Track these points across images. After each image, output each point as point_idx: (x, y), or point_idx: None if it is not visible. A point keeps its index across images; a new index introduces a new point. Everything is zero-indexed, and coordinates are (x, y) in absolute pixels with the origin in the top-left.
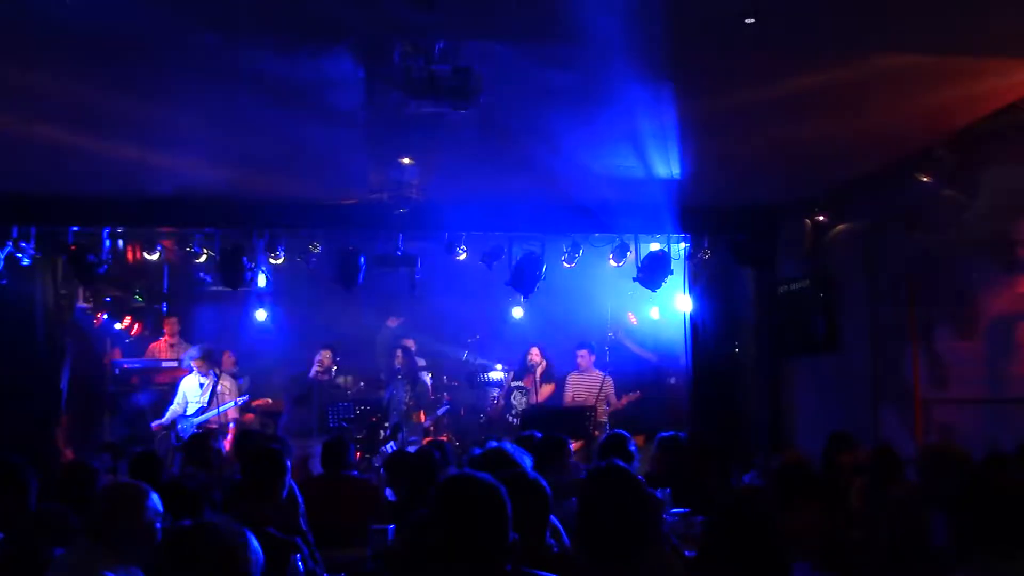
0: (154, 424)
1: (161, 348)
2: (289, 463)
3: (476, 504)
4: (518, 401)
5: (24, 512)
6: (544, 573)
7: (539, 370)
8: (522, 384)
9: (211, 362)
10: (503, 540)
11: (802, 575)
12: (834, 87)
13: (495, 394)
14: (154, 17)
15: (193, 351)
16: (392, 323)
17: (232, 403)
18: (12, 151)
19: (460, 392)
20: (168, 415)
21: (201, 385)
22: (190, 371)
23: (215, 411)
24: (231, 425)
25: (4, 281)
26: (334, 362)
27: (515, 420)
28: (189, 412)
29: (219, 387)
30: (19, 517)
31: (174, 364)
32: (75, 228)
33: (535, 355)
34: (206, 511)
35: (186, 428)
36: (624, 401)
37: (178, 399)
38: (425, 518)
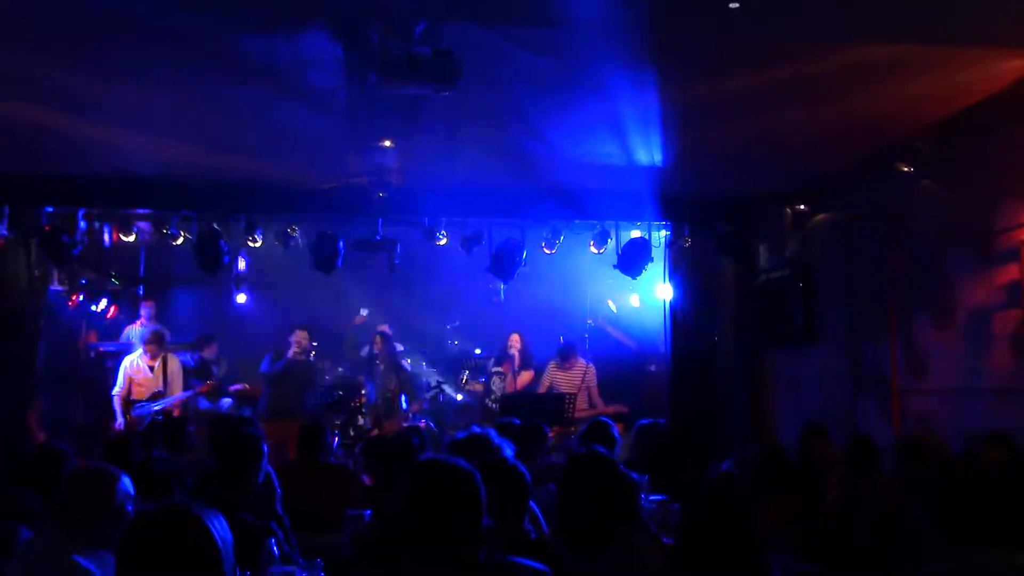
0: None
1: (136, 331)
2: (266, 448)
3: (447, 489)
4: (497, 387)
5: None
6: (521, 559)
7: (517, 357)
8: (501, 370)
9: (162, 346)
10: (476, 525)
11: (780, 565)
12: (816, 76)
13: (464, 376)
14: None
15: (146, 332)
16: (359, 320)
17: (189, 391)
18: None
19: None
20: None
21: (151, 369)
22: (132, 351)
23: (171, 399)
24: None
25: None
26: (311, 343)
27: (494, 405)
28: (142, 398)
29: (169, 371)
30: None
31: None
32: (49, 208)
33: (515, 342)
34: (177, 495)
35: (145, 415)
36: (611, 411)
37: (120, 382)
38: (398, 503)
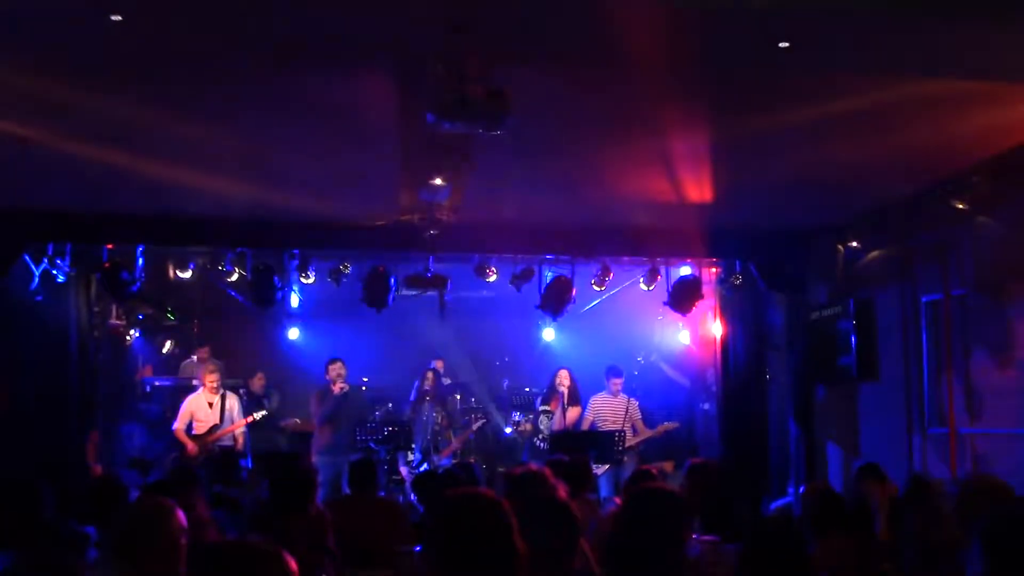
0: (191, 448)
1: (191, 367)
2: (318, 481)
3: (474, 518)
4: (545, 425)
5: (38, 528)
6: None
7: (566, 393)
8: (549, 408)
9: (223, 382)
10: (507, 552)
11: None
12: (868, 111)
13: (517, 417)
14: (191, 38)
15: (210, 367)
16: (439, 364)
17: (243, 428)
18: (49, 168)
19: (489, 415)
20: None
21: (211, 404)
22: (196, 390)
23: (228, 431)
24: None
25: (39, 297)
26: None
27: (542, 444)
28: (199, 432)
29: (227, 407)
30: (33, 533)
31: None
32: (109, 246)
33: (564, 378)
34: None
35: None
36: (660, 430)
37: (181, 417)
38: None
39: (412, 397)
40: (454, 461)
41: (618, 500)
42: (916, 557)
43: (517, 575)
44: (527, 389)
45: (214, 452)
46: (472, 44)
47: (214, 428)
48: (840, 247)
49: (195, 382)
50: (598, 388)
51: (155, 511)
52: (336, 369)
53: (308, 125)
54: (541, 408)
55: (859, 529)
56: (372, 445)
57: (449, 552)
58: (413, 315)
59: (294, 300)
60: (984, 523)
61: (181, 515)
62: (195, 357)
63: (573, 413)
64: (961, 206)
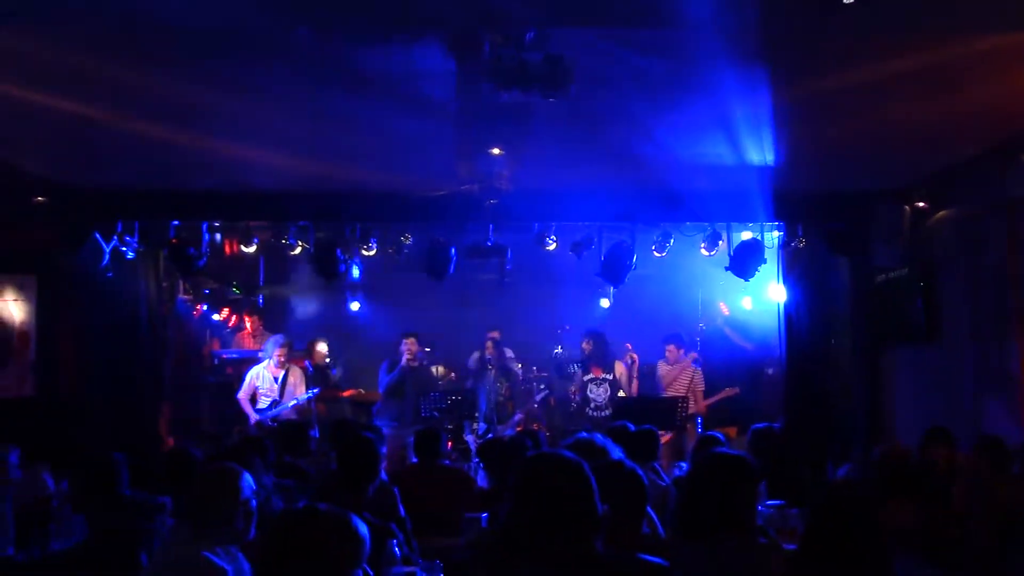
0: (252, 419)
1: (244, 339)
2: (382, 450)
3: (555, 480)
4: (595, 394)
5: (115, 498)
6: (642, 555)
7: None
8: (593, 375)
9: (290, 355)
10: (589, 515)
11: (905, 570)
12: (934, 68)
13: (572, 389)
14: (250, 13)
15: (277, 339)
16: (496, 335)
17: (306, 396)
18: (116, 147)
19: (550, 383)
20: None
21: (275, 379)
22: (261, 361)
23: (287, 404)
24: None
25: (110, 274)
26: (422, 349)
27: (594, 413)
28: (261, 405)
29: (289, 382)
30: (110, 503)
31: None
32: (176, 222)
33: (585, 343)
34: (304, 497)
35: (263, 421)
36: (722, 396)
37: (245, 387)
38: (509, 502)
39: (470, 366)
40: (518, 430)
41: (684, 465)
42: (986, 521)
43: (597, 537)
44: None
45: (273, 427)
46: (529, 8)
47: (273, 403)
48: (906, 208)
49: (261, 354)
50: (658, 355)
51: (221, 475)
52: (410, 344)
53: (366, 97)
54: (586, 378)
55: (926, 493)
56: (436, 415)
57: (532, 511)
58: (474, 285)
59: (355, 272)
60: None
61: (249, 479)
62: (246, 330)
63: (620, 370)
64: None
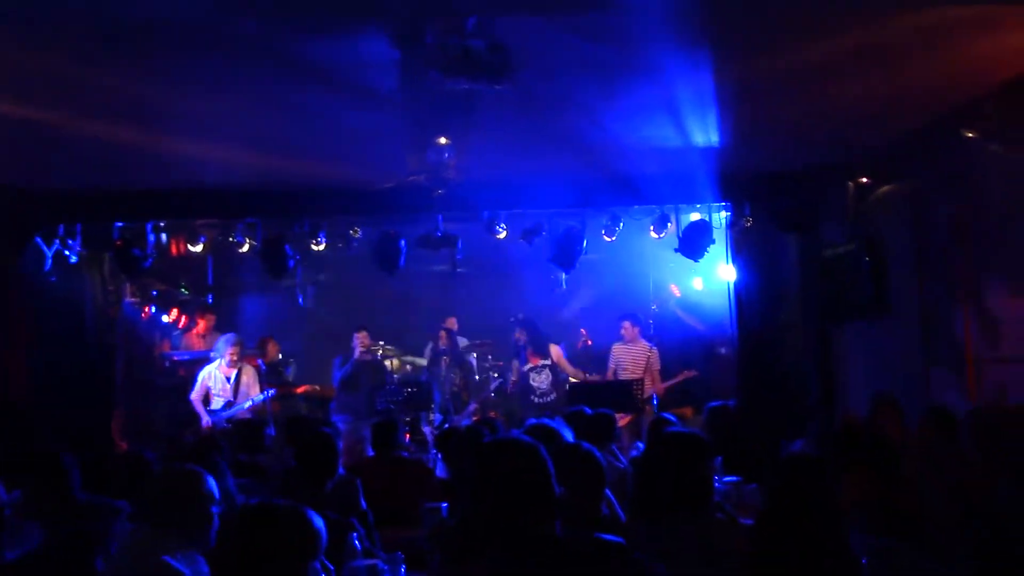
0: (205, 421)
1: (192, 339)
2: (339, 444)
3: (512, 464)
4: (537, 381)
5: (69, 502)
6: (601, 534)
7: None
8: (532, 364)
9: (242, 354)
10: (547, 498)
11: (859, 541)
12: (874, 45)
13: (512, 379)
14: (193, 5)
15: (229, 339)
16: (451, 324)
17: (262, 397)
18: (56, 147)
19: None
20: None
21: (228, 379)
22: (212, 361)
23: (242, 405)
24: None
25: (53, 279)
26: (375, 343)
27: (539, 400)
28: (215, 406)
29: (243, 381)
30: (64, 507)
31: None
32: (120, 223)
33: (519, 333)
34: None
35: (217, 423)
36: (680, 378)
37: (197, 388)
38: (468, 489)
39: (425, 356)
40: (474, 419)
41: (641, 446)
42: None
43: (555, 520)
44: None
45: (227, 427)
46: None
47: (227, 404)
48: (851, 184)
49: (213, 354)
50: (617, 337)
51: (183, 479)
52: (362, 338)
53: (311, 89)
54: (525, 368)
55: (878, 463)
56: (392, 408)
57: (490, 496)
58: (425, 276)
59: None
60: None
61: (210, 481)
62: (195, 329)
63: (556, 352)
64: (971, 135)
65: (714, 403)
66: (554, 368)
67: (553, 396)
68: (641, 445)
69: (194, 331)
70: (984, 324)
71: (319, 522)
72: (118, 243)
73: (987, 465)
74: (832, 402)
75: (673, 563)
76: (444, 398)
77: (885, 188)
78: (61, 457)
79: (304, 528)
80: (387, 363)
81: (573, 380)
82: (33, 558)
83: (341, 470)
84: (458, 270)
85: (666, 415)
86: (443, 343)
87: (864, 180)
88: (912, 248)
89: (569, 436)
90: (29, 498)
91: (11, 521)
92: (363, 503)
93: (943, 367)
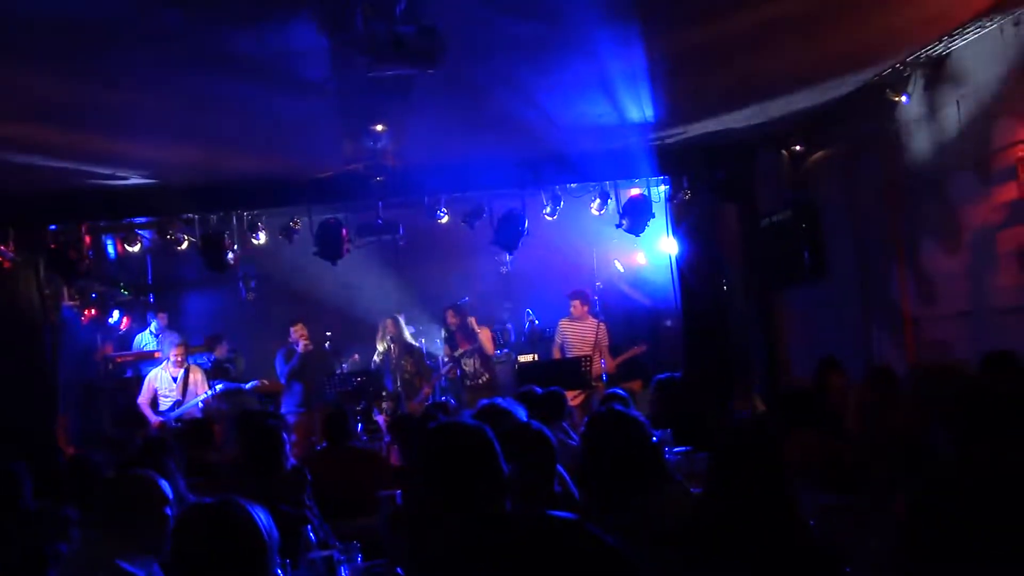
0: (154, 421)
1: (145, 339)
2: (287, 437)
3: (457, 446)
4: (469, 366)
5: (18, 511)
6: (552, 511)
7: (457, 331)
8: (462, 349)
9: (187, 353)
10: (495, 478)
11: (805, 497)
12: (802, 13)
13: (445, 369)
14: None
15: (173, 339)
16: (299, 334)
17: (209, 393)
18: None
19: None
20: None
21: (174, 379)
22: (159, 363)
23: (190, 404)
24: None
25: None
26: (323, 333)
27: (472, 382)
28: (163, 407)
29: (190, 380)
30: (13, 515)
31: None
32: (53, 226)
33: (451, 317)
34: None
35: (166, 423)
36: (630, 354)
37: (144, 391)
38: (417, 474)
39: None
40: (425, 406)
41: None
42: (879, 444)
43: (506, 498)
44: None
45: (177, 427)
46: None
47: (176, 404)
48: (784, 152)
49: (159, 355)
50: (564, 314)
51: (137, 484)
52: (298, 330)
53: (240, 81)
54: (456, 353)
55: (823, 422)
56: (342, 397)
57: (439, 480)
58: (369, 264)
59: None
60: (946, 404)
61: (164, 485)
62: (156, 322)
63: (485, 335)
64: (897, 98)
65: (661, 375)
66: (480, 351)
67: (485, 377)
68: None
69: (147, 331)
70: (919, 283)
71: (268, 519)
72: (52, 247)
73: (926, 420)
74: (776, 367)
75: (628, 536)
76: (396, 386)
77: (818, 155)
78: (9, 465)
79: (255, 525)
80: (342, 361)
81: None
82: None
83: (293, 461)
84: (400, 257)
85: (615, 390)
86: (390, 332)
87: (797, 148)
88: (847, 212)
89: (522, 415)
90: None
91: None
92: (308, 495)
93: (882, 327)
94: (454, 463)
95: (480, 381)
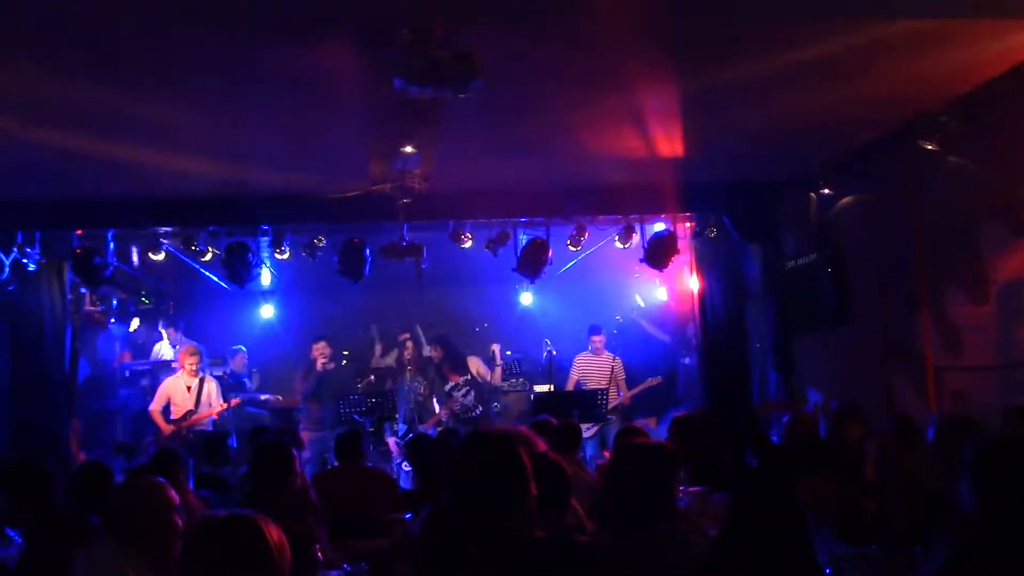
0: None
1: (163, 349)
2: (297, 454)
3: (489, 457)
4: (466, 399)
5: (48, 512)
6: (577, 538)
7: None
8: (453, 383)
9: (201, 364)
10: (524, 493)
11: (820, 544)
12: (834, 57)
13: (451, 404)
14: (152, 14)
15: (189, 349)
16: (320, 352)
17: (224, 408)
18: (15, 155)
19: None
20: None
21: (188, 388)
22: (175, 372)
23: (202, 415)
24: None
25: (12, 287)
26: (337, 352)
27: (468, 416)
28: (175, 416)
29: (205, 391)
30: (43, 516)
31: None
32: (79, 232)
33: (436, 352)
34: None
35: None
36: (645, 386)
37: (157, 399)
38: (445, 488)
39: (391, 364)
40: (439, 430)
41: (607, 455)
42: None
43: (531, 518)
44: (508, 352)
45: (189, 438)
46: (437, 6)
47: (188, 414)
48: (812, 195)
49: (174, 364)
50: (581, 349)
51: (146, 490)
52: (320, 348)
53: (273, 98)
54: (447, 388)
55: (841, 469)
56: (356, 417)
57: (471, 491)
58: (390, 285)
59: (266, 277)
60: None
61: (172, 493)
62: (164, 335)
63: (474, 364)
64: (930, 146)
65: (678, 412)
66: (474, 382)
67: (480, 410)
68: (607, 455)
69: (164, 342)
70: (944, 333)
71: (278, 535)
72: (78, 251)
73: (950, 472)
74: (794, 411)
75: (638, 572)
76: (409, 408)
77: (846, 199)
78: (46, 466)
79: (265, 542)
80: (357, 380)
81: (496, 385)
82: (12, 567)
83: (304, 479)
84: (423, 280)
85: (635, 424)
86: (408, 353)
87: (826, 191)
88: (873, 258)
89: (540, 444)
90: (11, 505)
91: None
92: (313, 514)
93: (904, 376)
94: (484, 474)
95: (475, 414)
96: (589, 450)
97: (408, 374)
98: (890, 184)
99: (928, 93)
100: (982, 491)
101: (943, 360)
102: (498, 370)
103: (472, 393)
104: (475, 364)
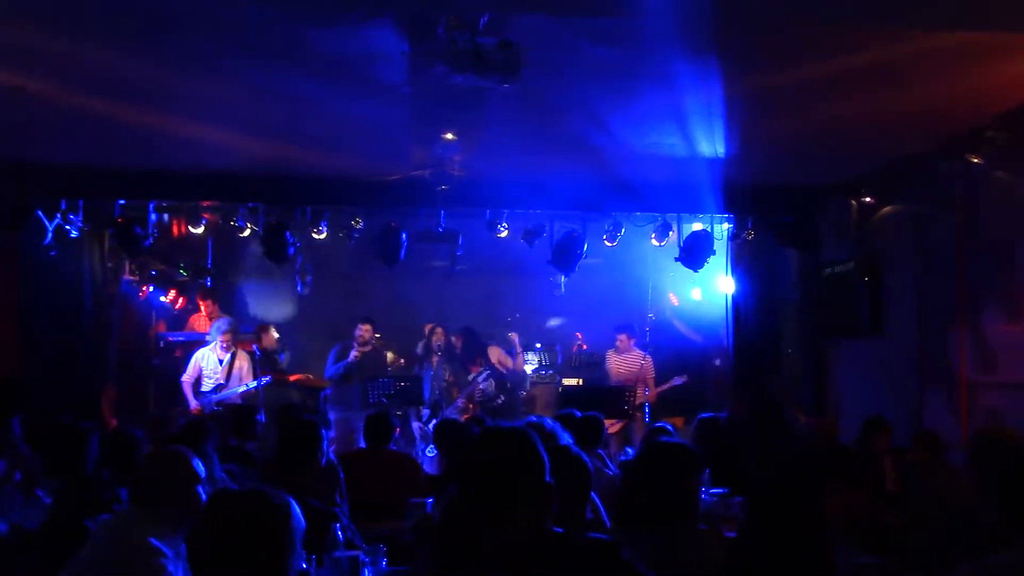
0: (192, 404)
1: (199, 321)
2: (326, 434)
3: (506, 449)
4: (487, 387)
5: (79, 474)
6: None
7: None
8: (474, 373)
9: (236, 339)
10: (541, 485)
11: (843, 557)
12: (883, 65)
13: (472, 395)
14: None
15: (222, 323)
16: (363, 332)
17: (255, 384)
18: (61, 123)
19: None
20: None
21: (220, 361)
22: (207, 344)
23: (235, 390)
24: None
25: (53, 252)
26: (374, 336)
27: (491, 404)
28: (205, 388)
29: (236, 366)
30: (73, 479)
31: None
32: (122, 201)
33: (440, 336)
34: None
35: (206, 405)
36: (670, 384)
37: (190, 371)
38: (461, 480)
39: (418, 352)
40: (464, 417)
41: (630, 451)
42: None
43: (550, 511)
44: (537, 345)
45: (217, 411)
46: None
47: (219, 387)
48: (853, 202)
49: (208, 337)
50: (610, 344)
51: (170, 459)
52: (364, 331)
53: (318, 78)
54: (469, 378)
55: (867, 482)
56: (384, 401)
57: (482, 483)
58: (424, 271)
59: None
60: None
61: (197, 463)
62: (200, 308)
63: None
64: (976, 160)
65: (705, 415)
66: (495, 371)
67: (502, 399)
68: (631, 451)
69: (200, 313)
70: (980, 348)
71: (298, 511)
72: (119, 220)
73: (979, 488)
74: (823, 419)
75: (655, 571)
76: (435, 394)
77: (887, 209)
78: (83, 428)
79: (283, 517)
80: (388, 355)
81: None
82: (41, 527)
83: (329, 458)
84: (457, 267)
85: (663, 424)
86: (437, 339)
87: (867, 199)
88: (911, 270)
89: (565, 438)
90: (44, 465)
91: (12, 489)
92: (339, 494)
93: (937, 389)
94: (504, 465)
95: (498, 403)
96: (612, 446)
97: (436, 360)
98: (934, 196)
99: (978, 106)
100: (1008, 508)
101: (977, 376)
102: (519, 358)
103: (492, 382)
104: (496, 353)
